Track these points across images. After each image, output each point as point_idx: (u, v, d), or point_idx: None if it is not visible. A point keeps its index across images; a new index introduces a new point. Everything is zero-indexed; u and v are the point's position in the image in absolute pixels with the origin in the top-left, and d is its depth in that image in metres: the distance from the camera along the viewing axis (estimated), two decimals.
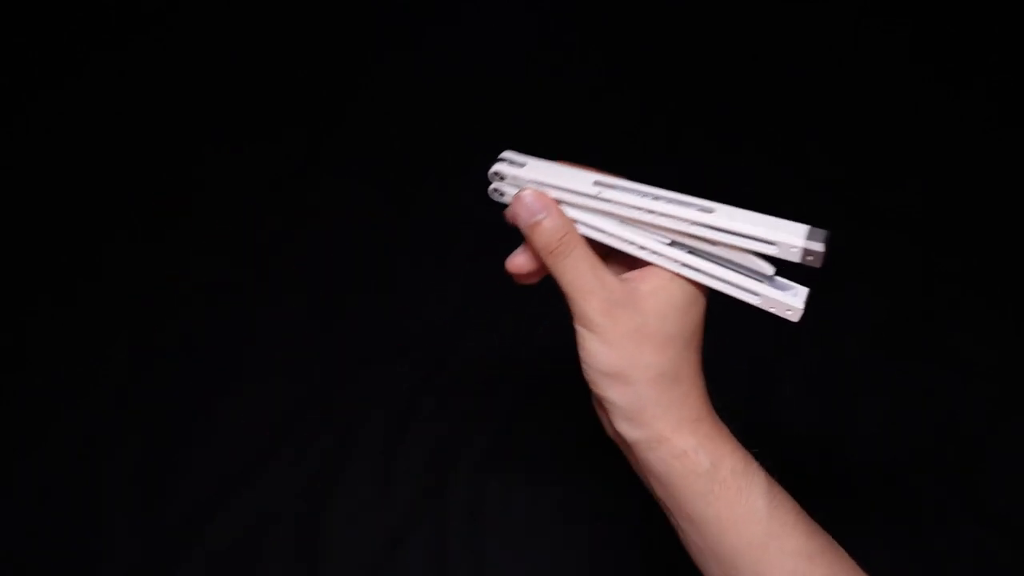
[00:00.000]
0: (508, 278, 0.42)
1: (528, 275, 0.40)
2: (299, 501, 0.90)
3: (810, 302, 0.38)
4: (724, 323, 1.12)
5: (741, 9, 1.58)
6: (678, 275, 0.38)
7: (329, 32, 1.53)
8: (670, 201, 0.37)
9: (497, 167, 0.40)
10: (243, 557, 0.86)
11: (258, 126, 1.36)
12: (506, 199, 0.40)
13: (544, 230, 0.37)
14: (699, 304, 0.38)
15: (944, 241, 1.18)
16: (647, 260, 0.38)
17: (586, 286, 0.36)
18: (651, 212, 0.37)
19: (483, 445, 0.95)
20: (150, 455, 0.94)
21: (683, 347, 0.37)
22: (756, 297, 0.38)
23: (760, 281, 0.38)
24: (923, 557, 0.86)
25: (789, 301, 0.38)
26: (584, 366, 0.37)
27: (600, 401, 0.38)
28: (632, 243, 0.38)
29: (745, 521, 0.35)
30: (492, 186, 0.41)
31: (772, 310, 0.38)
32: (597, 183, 0.38)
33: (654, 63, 1.48)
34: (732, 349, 1.04)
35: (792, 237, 0.36)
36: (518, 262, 0.40)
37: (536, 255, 0.39)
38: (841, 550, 0.37)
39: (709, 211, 0.37)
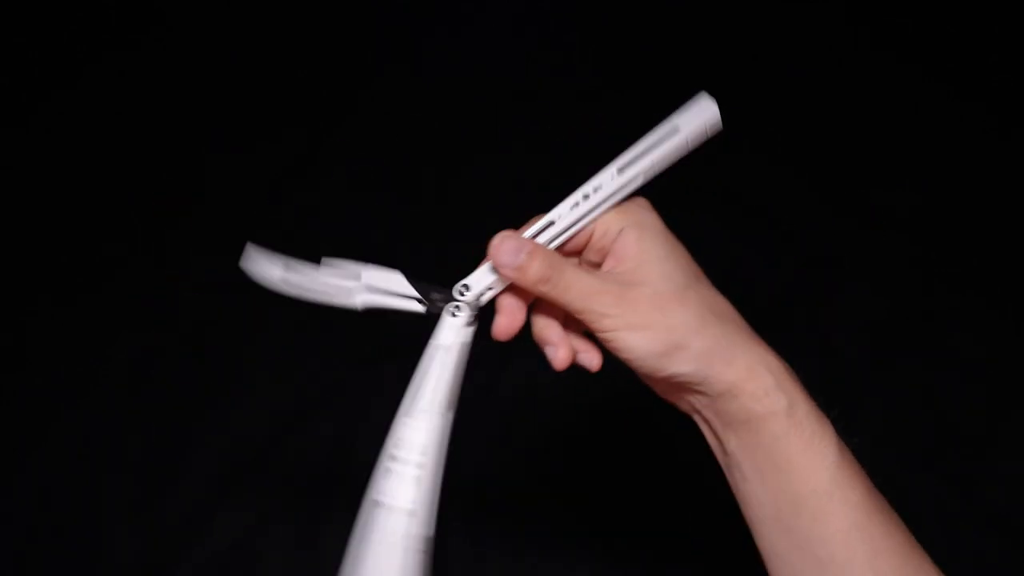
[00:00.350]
0: None
1: (518, 329, 0.41)
2: (299, 501, 0.91)
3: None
4: None
5: (741, 9, 1.58)
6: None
7: (330, 33, 1.53)
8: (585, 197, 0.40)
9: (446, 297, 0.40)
10: (243, 557, 0.86)
11: (258, 126, 1.36)
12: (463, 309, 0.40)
13: (535, 261, 0.37)
14: (678, 246, 0.39)
15: (944, 241, 1.18)
16: (609, 209, 0.40)
17: (592, 289, 0.37)
18: (585, 198, 0.39)
19: (484, 445, 0.95)
20: (150, 455, 0.94)
21: (701, 290, 0.38)
22: (681, 136, 0.39)
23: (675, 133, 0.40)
24: None
25: (705, 112, 0.39)
26: (639, 365, 0.37)
27: (677, 386, 0.38)
28: (592, 210, 0.39)
29: (814, 467, 0.35)
30: (455, 304, 0.40)
31: (703, 128, 0.39)
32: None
33: (654, 63, 1.48)
34: None
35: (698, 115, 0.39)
36: (506, 325, 0.40)
37: (524, 298, 0.40)
38: (898, 516, 0.37)
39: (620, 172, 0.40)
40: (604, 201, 0.40)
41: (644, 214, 0.40)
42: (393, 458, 0.38)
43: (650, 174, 0.40)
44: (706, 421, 0.39)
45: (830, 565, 0.35)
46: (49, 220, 1.21)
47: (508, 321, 0.40)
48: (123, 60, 1.46)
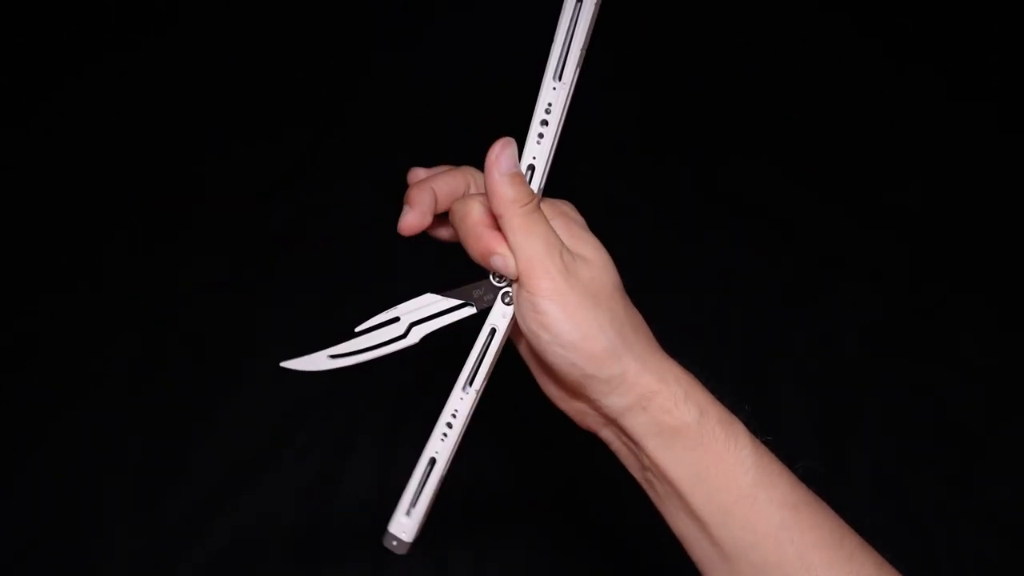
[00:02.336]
0: None
1: (422, 229, 0.40)
2: (299, 501, 0.91)
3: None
4: (723, 324, 1.12)
5: (741, 9, 1.58)
6: None
7: (329, 32, 1.53)
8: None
9: None
10: (243, 557, 0.86)
11: (258, 126, 1.36)
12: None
13: (523, 182, 0.37)
14: (604, 249, 0.38)
15: (944, 241, 1.18)
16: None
17: (556, 247, 0.36)
18: (544, 124, 0.39)
19: (483, 446, 0.95)
20: (150, 455, 0.94)
21: (623, 297, 0.37)
22: (587, 4, 0.37)
23: None
24: (923, 557, 0.86)
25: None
26: (552, 348, 0.36)
27: (577, 387, 0.37)
28: (556, 132, 0.39)
29: (733, 472, 0.35)
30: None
31: None
32: None
33: (654, 63, 1.48)
34: (731, 350, 1.04)
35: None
36: (416, 222, 0.39)
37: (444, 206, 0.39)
38: (824, 503, 0.37)
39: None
40: (561, 115, 0.39)
41: (574, 213, 0.39)
42: (449, 426, 0.44)
43: (580, 61, 0.39)
44: (616, 438, 0.38)
45: (764, 568, 0.34)
46: (49, 220, 1.21)
47: (419, 220, 0.40)
48: (123, 60, 1.46)
